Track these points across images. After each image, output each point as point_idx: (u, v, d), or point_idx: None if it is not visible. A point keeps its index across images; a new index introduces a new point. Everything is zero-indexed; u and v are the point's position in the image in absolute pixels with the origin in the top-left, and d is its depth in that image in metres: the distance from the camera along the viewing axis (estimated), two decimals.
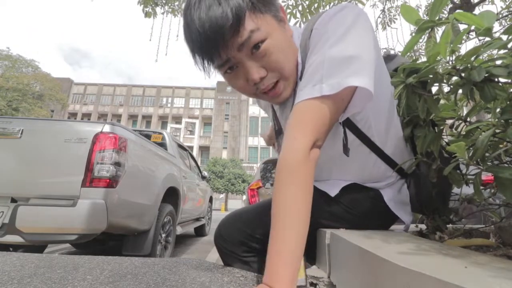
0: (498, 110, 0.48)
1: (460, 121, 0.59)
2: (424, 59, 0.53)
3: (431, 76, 0.49)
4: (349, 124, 0.65)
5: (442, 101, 0.60)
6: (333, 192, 0.72)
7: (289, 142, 0.52)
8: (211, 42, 0.53)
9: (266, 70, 0.59)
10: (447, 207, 0.71)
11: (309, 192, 0.51)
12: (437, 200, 0.68)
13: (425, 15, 3.88)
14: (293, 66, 0.63)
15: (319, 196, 0.74)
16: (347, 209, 0.72)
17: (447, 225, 0.70)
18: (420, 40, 0.63)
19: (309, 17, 3.32)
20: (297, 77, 0.65)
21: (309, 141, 0.52)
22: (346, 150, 0.63)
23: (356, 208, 0.72)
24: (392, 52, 4.11)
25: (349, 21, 0.56)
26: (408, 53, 0.68)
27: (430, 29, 0.51)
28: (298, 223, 0.47)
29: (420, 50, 3.78)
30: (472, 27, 0.45)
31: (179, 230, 3.11)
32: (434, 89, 0.54)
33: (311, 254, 0.75)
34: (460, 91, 0.47)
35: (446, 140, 0.67)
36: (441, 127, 0.63)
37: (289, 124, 0.54)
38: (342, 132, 0.64)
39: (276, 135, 0.83)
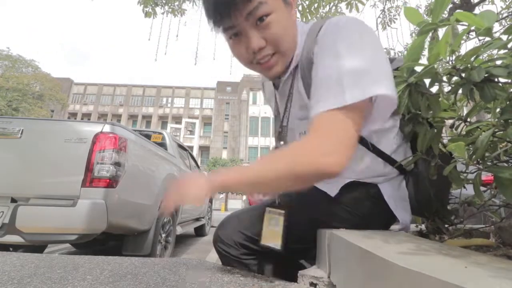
0: (498, 110, 0.48)
1: (460, 121, 0.59)
2: (425, 59, 0.53)
3: (431, 76, 0.49)
4: None
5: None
6: (333, 192, 0.72)
7: (321, 158, 0.52)
8: (226, 3, 0.58)
9: (265, 41, 0.63)
10: (446, 209, 0.71)
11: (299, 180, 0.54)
12: (435, 201, 0.68)
13: (425, 15, 3.88)
14: (291, 46, 0.67)
15: (319, 196, 0.74)
16: (347, 209, 0.72)
17: (447, 226, 0.70)
18: None
19: (309, 17, 3.32)
20: (291, 59, 0.68)
21: (346, 158, 0.52)
22: None
23: (357, 208, 0.72)
24: (392, 51, 4.11)
25: (358, 32, 0.58)
26: None
27: (432, 31, 0.51)
28: (269, 165, 0.57)
29: None
30: (472, 27, 0.45)
31: (179, 230, 3.11)
32: (433, 89, 0.54)
33: (311, 254, 0.75)
34: (460, 91, 0.47)
35: (445, 141, 0.67)
36: (442, 126, 0.63)
37: (315, 134, 0.54)
38: None
39: (276, 123, 0.85)
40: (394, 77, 0.57)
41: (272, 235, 0.66)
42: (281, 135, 0.75)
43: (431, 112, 0.57)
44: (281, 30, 0.63)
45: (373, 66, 0.54)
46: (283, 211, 0.69)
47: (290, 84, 0.72)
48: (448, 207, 0.75)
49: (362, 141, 0.69)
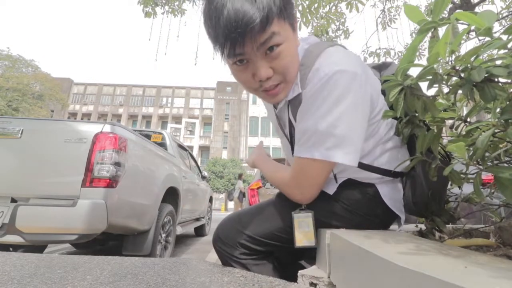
0: (498, 110, 0.48)
1: (460, 121, 0.59)
2: (425, 59, 0.53)
3: (430, 76, 0.49)
4: None
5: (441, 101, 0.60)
6: (331, 190, 0.72)
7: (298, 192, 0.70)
8: (240, 32, 0.56)
9: (273, 71, 0.63)
10: (443, 208, 0.71)
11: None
12: (432, 201, 0.68)
13: (425, 15, 3.86)
14: (295, 73, 0.67)
15: (318, 195, 0.74)
16: (346, 207, 0.72)
17: (447, 225, 0.70)
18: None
19: (309, 17, 3.32)
20: (293, 84, 0.68)
21: (310, 196, 0.70)
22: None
23: (357, 207, 0.72)
24: (392, 51, 4.10)
25: (339, 92, 0.59)
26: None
27: (432, 29, 0.51)
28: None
29: (420, 51, 3.78)
30: (472, 27, 0.45)
31: (179, 230, 3.10)
32: (432, 90, 0.53)
33: (311, 254, 0.76)
34: (460, 91, 0.47)
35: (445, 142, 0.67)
36: (441, 126, 0.63)
37: (292, 173, 0.69)
38: None
39: (284, 144, 0.86)
40: (388, 81, 0.57)
41: (305, 235, 0.73)
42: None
43: (429, 113, 0.56)
44: (288, 60, 0.63)
45: (340, 131, 0.59)
46: (310, 213, 0.73)
47: (287, 112, 0.73)
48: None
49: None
